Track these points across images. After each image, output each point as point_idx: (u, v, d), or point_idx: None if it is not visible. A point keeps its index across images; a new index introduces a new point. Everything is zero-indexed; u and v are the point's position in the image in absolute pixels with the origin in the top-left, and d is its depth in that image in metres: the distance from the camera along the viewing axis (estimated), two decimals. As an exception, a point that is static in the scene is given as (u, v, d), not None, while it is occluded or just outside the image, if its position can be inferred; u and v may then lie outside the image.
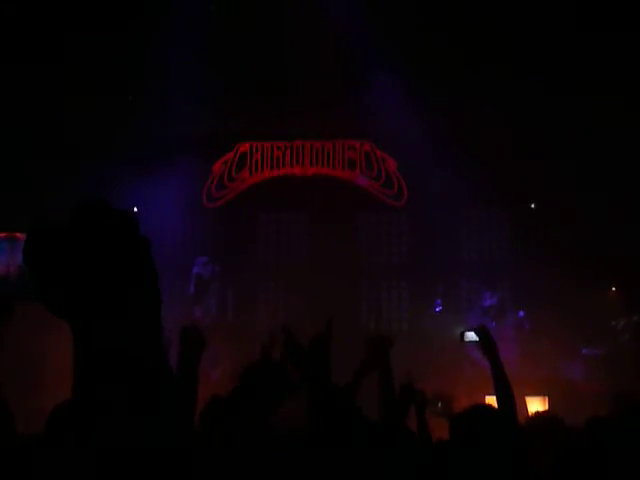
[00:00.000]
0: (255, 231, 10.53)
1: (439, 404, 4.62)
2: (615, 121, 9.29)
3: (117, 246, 1.71)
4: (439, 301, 9.38)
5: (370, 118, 10.13)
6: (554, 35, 8.82)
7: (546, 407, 7.85)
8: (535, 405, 7.82)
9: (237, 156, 10.77)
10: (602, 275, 9.39)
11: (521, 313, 9.25)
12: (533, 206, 10.47)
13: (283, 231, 10.54)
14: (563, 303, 9.02)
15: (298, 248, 10.37)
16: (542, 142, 9.87)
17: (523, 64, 9.10)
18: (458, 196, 10.13)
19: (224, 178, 10.74)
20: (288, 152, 10.71)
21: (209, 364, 7.83)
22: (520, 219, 10.41)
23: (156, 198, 10.20)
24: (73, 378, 1.71)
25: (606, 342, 8.90)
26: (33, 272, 1.75)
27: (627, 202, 9.28)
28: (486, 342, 3.99)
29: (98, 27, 8.62)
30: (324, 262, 10.03)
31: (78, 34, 8.69)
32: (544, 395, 8.04)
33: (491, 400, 5.36)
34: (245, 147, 10.78)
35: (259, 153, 10.73)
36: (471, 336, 4.14)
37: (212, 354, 7.34)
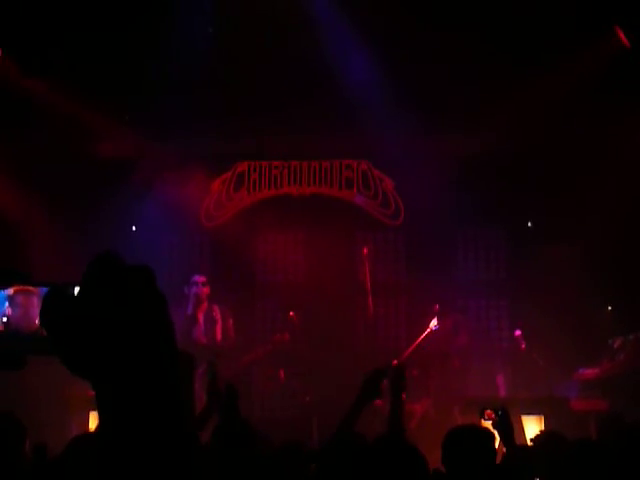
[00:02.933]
0: (253, 250, 10.55)
1: None
2: (613, 137, 9.34)
3: (134, 304, 1.75)
4: (436, 320, 9.38)
5: (367, 138, 10.19)
6: (551, 51, 8.86)
7: (542, 426, 7.87)
8: (531, 424, 7.84)
9: (235, 175, 10.82)
10: (598, 294, 9.42)
11: (517, 332, 9.26)
12: (530, 225, 10.49)
13: (281, 250, 10.57)
14: (559, 322, 9.05)
15: (295, 267, 10.40)
16: (539, 160, 9.92)
17: (519, 81, 9.15)
18: (455, 215, 10.18)
19: (222, 197, 10.78)
20: (285, 172, 10.75)
21: (199, 385, 7.85)
22: (517, 238, 10.43)
23: (155, 217, 10.25)
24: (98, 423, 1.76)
25: (602, 361, 8.90)
26: (51, 336, 1.79)
27: (625, 220, 9.31)
28: (503, 426, 4.17)
29: (96, 44, 8.67)
30: (321, 281, 10.07)
31: (76, 52, 8.75)
32: (540, 414, 8.03)
33: (486, 424, 5.38)
34: (243, 166, 10.83)
35: (257, 173, 10.78)
36: (488, 419, 4.30)
37: (201, 375, 7.35)
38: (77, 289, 1.90)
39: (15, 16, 8.20)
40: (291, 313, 9.56)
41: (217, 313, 8.96)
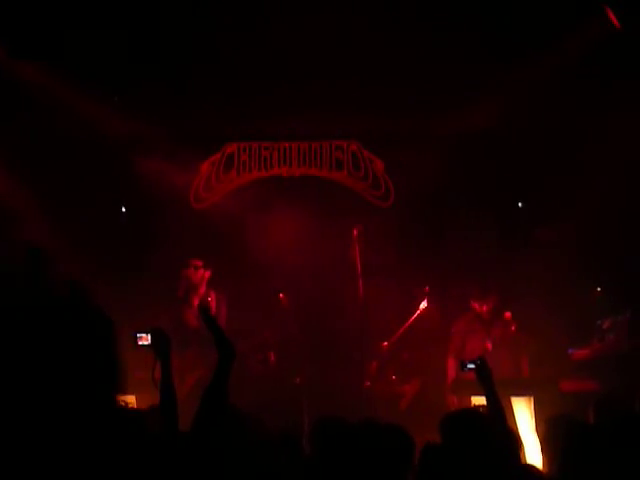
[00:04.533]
0: (243, 232, 10.50)
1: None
2: (604, 120, 9.32)
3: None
4: (425, 301, 9.42)
5: (357, 118, 10.14)
6: (541, 32, 8.81)
7: (531, 408, 7.90)
8: (520, 406, 7.87)
9: (224, 157, 10.76)
10: (588, 275, 9.45)
11: (507, 314, 9.27)
12: (520, 205, 10.49)
13: (271, 232, 10.50)
14: (549, 303, 9.09)
15: (285, 249, 10.34)
16: (530, 141, 9.91)
17: (509, 63, 9.10)
18: (445, 196, 10.18)
19: (212, 179, 10.73)
20: (275, 153, 10.70)
21: (186, 368, 7.88)
22: (507, 219, 10.43)
23: (143, 198, 10.22)
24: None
25: (592, 342, 8.95)
26: None
27: (615, 202, 9.31)
28: (482, 370, 4.67)
29: (83, 26, 8.57)
30: (311, 263, 10.06)
31: (63, 34, 8.66)
32: (529, 396, 8.06)
33: (476, 401, 5.50)
34: (232, 148, 10.77)
35: (246, 154, 10.72)
36: (470, 366, 4.86)
37: (190, 358, 7.37)
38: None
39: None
40: (280, 295, 9.56)
41: (212, 300, 8.96)
